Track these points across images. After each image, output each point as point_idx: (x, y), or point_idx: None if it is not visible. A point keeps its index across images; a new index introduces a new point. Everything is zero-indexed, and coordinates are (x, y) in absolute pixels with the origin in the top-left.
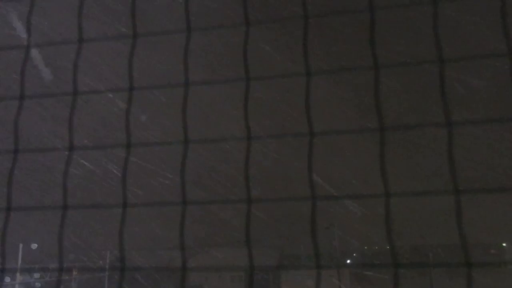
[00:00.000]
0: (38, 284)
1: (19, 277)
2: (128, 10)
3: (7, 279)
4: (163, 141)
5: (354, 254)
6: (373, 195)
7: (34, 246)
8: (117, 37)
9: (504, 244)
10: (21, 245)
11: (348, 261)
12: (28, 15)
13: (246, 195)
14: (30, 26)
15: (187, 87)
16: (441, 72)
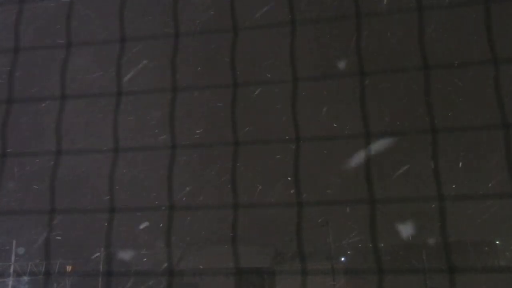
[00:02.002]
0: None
1: (12, 275)
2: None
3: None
4: (150, 146)
5: (349, 252)
6: (358, 200)
7: (21, 250)
8: (107, 41)
9: (497, 242)
10: (14, 242)
11: (343, 259)
12: None
13: (232, 201)
14: None
15: (175, 92)
16: (425, 78)
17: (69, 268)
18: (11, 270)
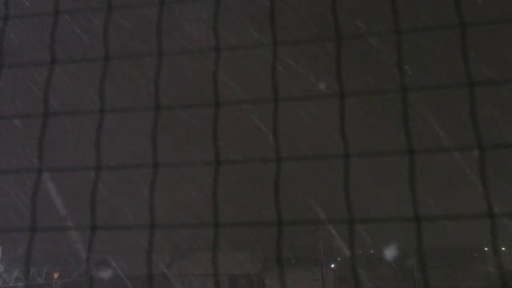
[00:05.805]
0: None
1: None
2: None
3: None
4: (133, 164)
5: (339, 258)
6: (340, 220)
7: (0, 268)
8: (90, 60)
9: (486, 248)
10: (0, 248)
11: (333, 265)
12: None
13: (214, 218)
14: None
15: (157, 110)
16: (405, 101)
17: (56, 275)
18: None
